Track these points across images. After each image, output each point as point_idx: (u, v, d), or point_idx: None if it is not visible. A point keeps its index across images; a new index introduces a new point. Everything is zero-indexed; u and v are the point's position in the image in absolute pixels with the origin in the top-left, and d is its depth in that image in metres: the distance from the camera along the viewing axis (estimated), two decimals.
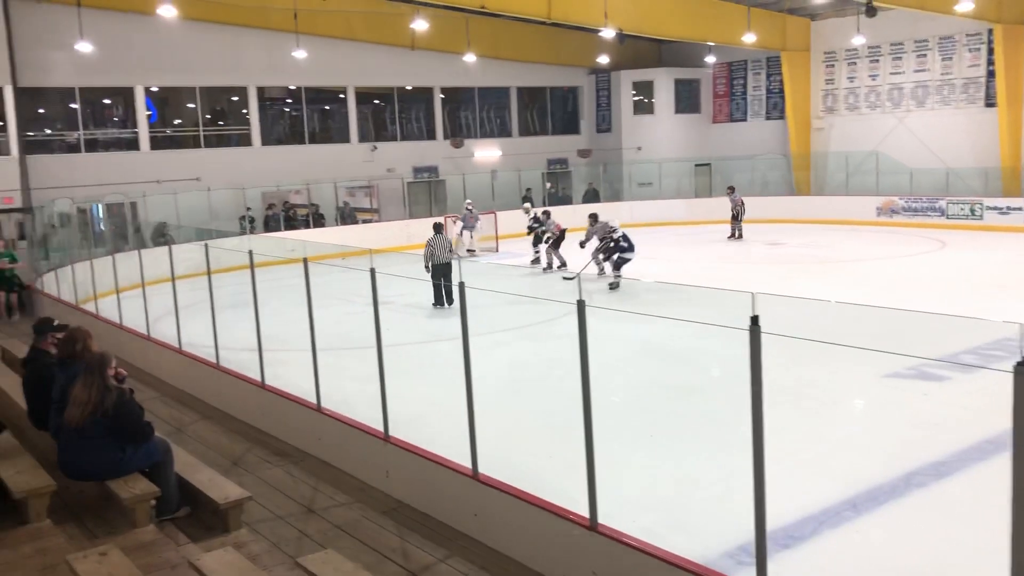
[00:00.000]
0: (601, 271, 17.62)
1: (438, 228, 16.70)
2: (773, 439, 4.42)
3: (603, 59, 30.19)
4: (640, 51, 33.04)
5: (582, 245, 18.29)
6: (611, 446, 6.24)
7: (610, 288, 16.33)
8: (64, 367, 6.57)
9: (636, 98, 32.89)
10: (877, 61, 28.14)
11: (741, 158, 30.64)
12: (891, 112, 27.93)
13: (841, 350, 4.80)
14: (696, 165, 31.54)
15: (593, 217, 18.54)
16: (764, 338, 4.27)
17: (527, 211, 22.71)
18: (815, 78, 29.69)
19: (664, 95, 32.56)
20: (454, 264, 16.11)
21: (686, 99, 32.98)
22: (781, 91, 30.42)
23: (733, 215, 24.75)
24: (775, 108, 31.11)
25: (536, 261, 20.59)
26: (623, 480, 6.81)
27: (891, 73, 27.87)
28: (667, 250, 22.69)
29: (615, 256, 17.14)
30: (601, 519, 5.34)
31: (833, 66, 29.23)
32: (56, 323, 7.46)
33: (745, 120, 32.24)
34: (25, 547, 5.33)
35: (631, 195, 30.29)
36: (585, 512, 5.40)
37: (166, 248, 13.19)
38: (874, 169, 27.40)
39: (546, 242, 19.97)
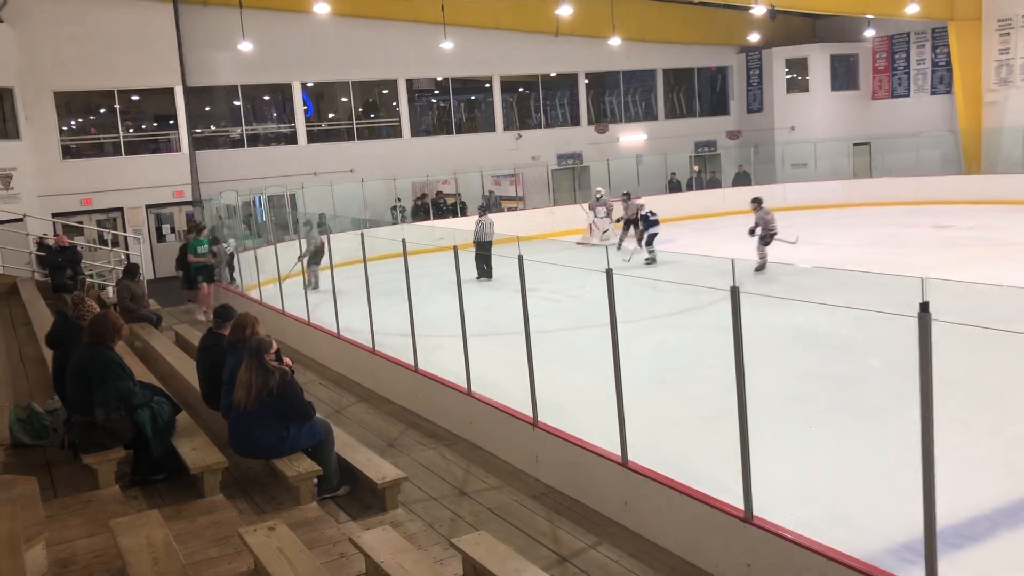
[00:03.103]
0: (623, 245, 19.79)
1: (483, 210, 19.19)
2: (940, 433, 4.19)
3: (753, 37, 29.24)
4: (793, 27, 31.82)
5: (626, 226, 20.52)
6: (765, 437, 6.05)
7: (646, 263, 18.23)
8: (234, 351, 6.96)
9: (789, 76, 31.72)
10: None
11: (904, 136, 29.02)
12: None
13: (1015, 341, 4.47)
14: (854, 144, 30.14)
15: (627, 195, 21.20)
16: (932, 326, 4.03)
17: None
18: (987, 48, 27.66)
19: (819, 72, 31.29)
20: (605, 251, 16.73)
21: (843, 75, 31.58)
22: (948, 64, 28.60)
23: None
24: (941, 82, 29.29)
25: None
26: (778, 472, 6.60)
27: None
28: (824, 234, 21.78)
29: (644, 232, 19.04)
30: (756, 511, 5.20)
31: (1008, 34, 27.14)
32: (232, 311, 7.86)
33: (908, 96, 30.53)
34: (201, 519, 5.70)
35: (784, 177, 29.23)
36: (738, 503, 5.28)
37: (324, 237, 13.77)
38: None
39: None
